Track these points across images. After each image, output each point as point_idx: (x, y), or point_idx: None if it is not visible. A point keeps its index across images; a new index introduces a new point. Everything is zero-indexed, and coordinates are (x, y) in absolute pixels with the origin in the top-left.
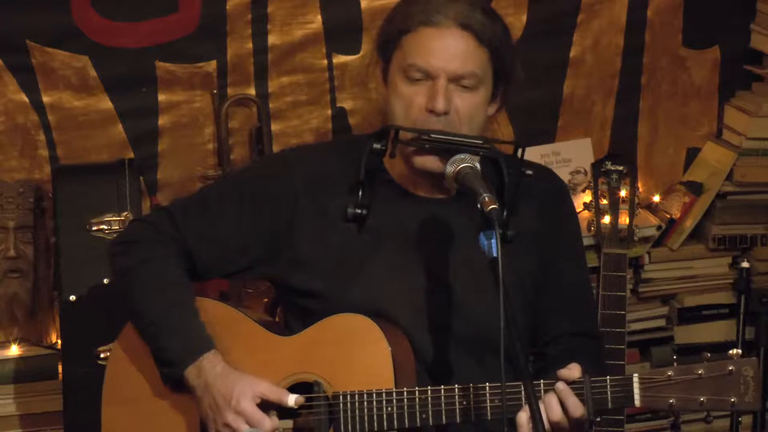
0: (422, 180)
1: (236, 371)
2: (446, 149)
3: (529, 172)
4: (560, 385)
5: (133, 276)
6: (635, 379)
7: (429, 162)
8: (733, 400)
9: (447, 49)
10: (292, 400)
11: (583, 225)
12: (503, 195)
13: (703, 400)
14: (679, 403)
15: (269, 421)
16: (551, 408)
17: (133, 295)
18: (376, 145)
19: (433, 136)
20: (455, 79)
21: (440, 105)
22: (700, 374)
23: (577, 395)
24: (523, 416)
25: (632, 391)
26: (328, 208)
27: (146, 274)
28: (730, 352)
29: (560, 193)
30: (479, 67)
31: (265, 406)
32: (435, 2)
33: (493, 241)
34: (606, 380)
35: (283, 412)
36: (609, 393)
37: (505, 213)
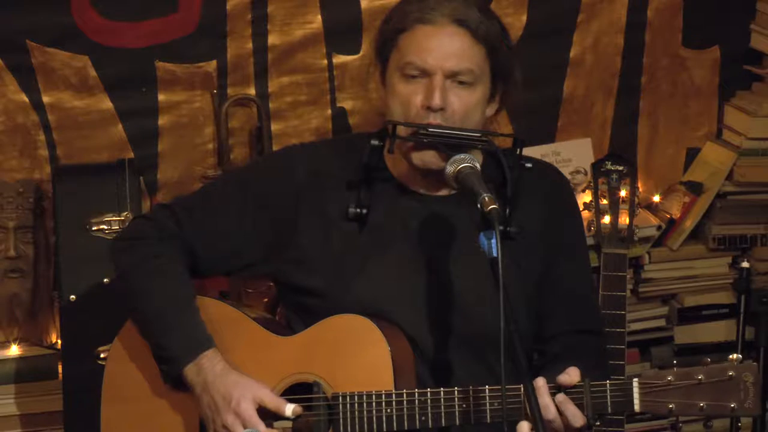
0: (422, 177)
1: (236, 371)
2: (445, 143)
3: (529, 164)
4: (560, 397)
5: (134, 273)
6: (635, 384)
7: (428, 157)
8: (732, 405)
9: (443, 46)
10: (289, 410)
11: (584, 225)
12: (505, 190)
13: (702, 406)
14: (678, 409)
15: (264, 427)
16: (546, 408)
17: (134, 292)
18: (375, 142)
19: (430, 130)
20: (451, 76)
21: (437, 100)
22: (700, 379)
23: (577, 400)
24: (525, 426)
25: (632, 396)
26: (329, 206)
27: (147, 271)
28: (730, 357)
29: (563, 188)
30: (475, 63)
31: (264, 412)
32: (431, 1)
33: (493, 241)
34: (606, 385)
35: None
36: (609, 398)
37: (507, 209)
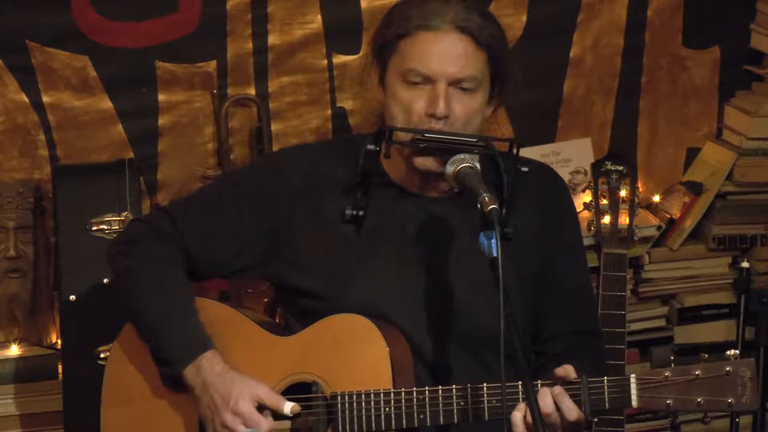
0: (420, 180)
1: (235, 371)
2: (442, 149)
3: (525, 168)
4: (556, 389)
5: (132, 276)
6: (632, 379)
7: (429, 162)
8: (730, 400)
9: (446, 53)
10: (288, 407)
11: (583, 225)
12: (501, 193)
13: (700, 401)
14: (676, 404)
15: (266, 423)
16: (542, 402)
17: (133, 296)
18: (371, 147)
19: (426, 135)
20: (455, 83)
21: (441, 109)
22: (698, 375)
23: (575, 396)
24: (518, 415)
25: (629, 392)
26: (326, 209)
27: (145, 274)
28: (728, 352)
29: (559, 190)
30: (478, 69)
31: (262, 409)
32: (432, 6)
33: (493, 240)
34: (603, 381)
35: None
36: (606, 394)
37: (503, 211)
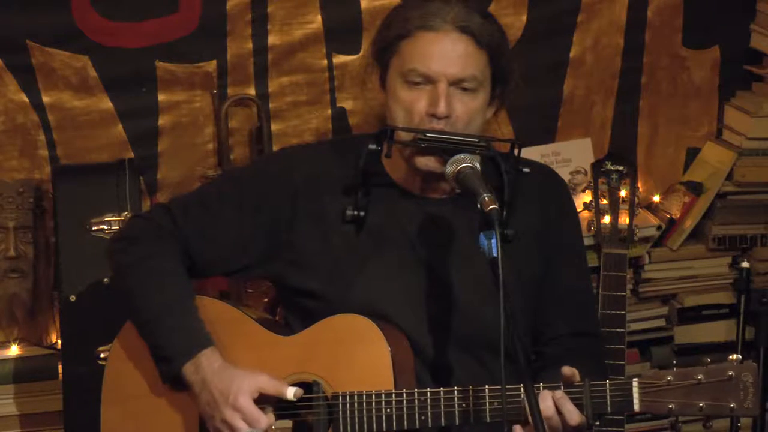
0: (421, 180)
1: (234, 367)
2: (443, 149)
3: (526, 169)
4: (558, 393)
5: (132, 273)
6: (635, 384)
7: (430, 162)
8: (732, 405)
9: (447, 53)
10: (291, 392)
11: (583, 225)
12: (502, 194)
13: (702, 406)
14: (678, 408)
15: (265, 419)
16: (543, 405)
17: (132, 292)
18: (372, 146)
19: (428, 135)
20: (456, 83)
21: (442, 109)
22: (700, 379)
23: (576, 400)
24: (518, 429)
25: (631, 396)
26: (326, 209)
27: (145, 271)
28: (730, 357)
29: (560, 191)
30: (479, 69)
31: (264, 400)
32: (432, 6)
33: (493, 241)
34: (605, 385)
35: (282, 411)
36: (608, 398)
37: (504, 212)
